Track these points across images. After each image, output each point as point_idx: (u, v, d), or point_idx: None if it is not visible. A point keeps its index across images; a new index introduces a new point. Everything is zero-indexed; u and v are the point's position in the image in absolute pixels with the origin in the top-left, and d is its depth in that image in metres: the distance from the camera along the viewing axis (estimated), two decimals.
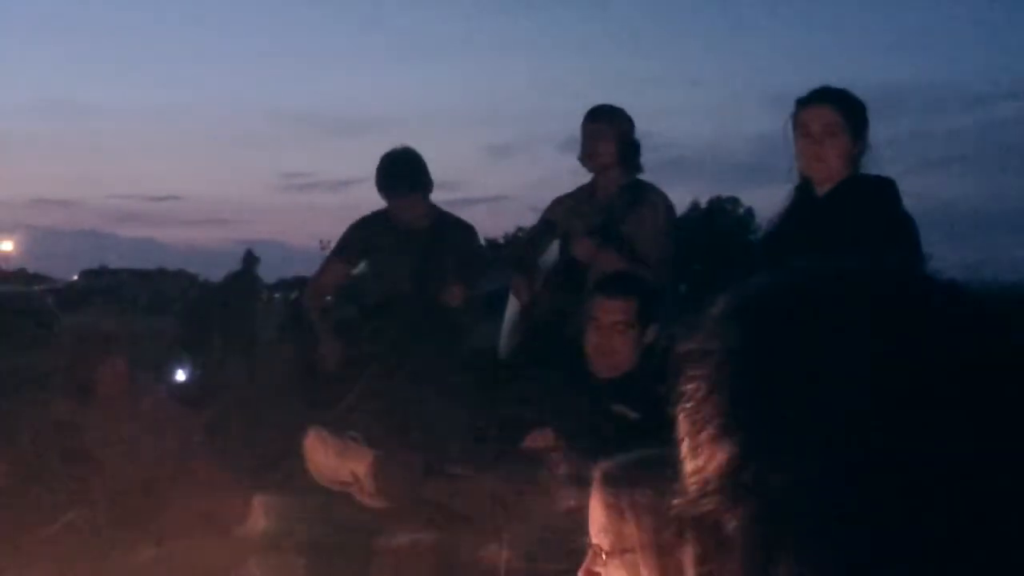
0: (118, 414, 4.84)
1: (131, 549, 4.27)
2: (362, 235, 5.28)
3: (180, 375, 12.37)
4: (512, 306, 5.09)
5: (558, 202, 5.18)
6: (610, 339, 3.82)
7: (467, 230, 5.27)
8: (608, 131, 4.94)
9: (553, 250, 5.01)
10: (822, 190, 3.93)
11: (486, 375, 4.89)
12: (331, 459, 3.80)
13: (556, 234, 5.03)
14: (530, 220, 5.49)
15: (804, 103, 3.94)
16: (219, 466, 4.86)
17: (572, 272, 4.80)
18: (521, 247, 5.31)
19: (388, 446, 3.88)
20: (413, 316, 4.99)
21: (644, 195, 4.94)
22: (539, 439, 4.66)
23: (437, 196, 5.27)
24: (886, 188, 3.91)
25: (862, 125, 3.94)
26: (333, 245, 5.51)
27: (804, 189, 3.97)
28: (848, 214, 3.79)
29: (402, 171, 5.10)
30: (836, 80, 4.05)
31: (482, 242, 5.38)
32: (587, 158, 4.99)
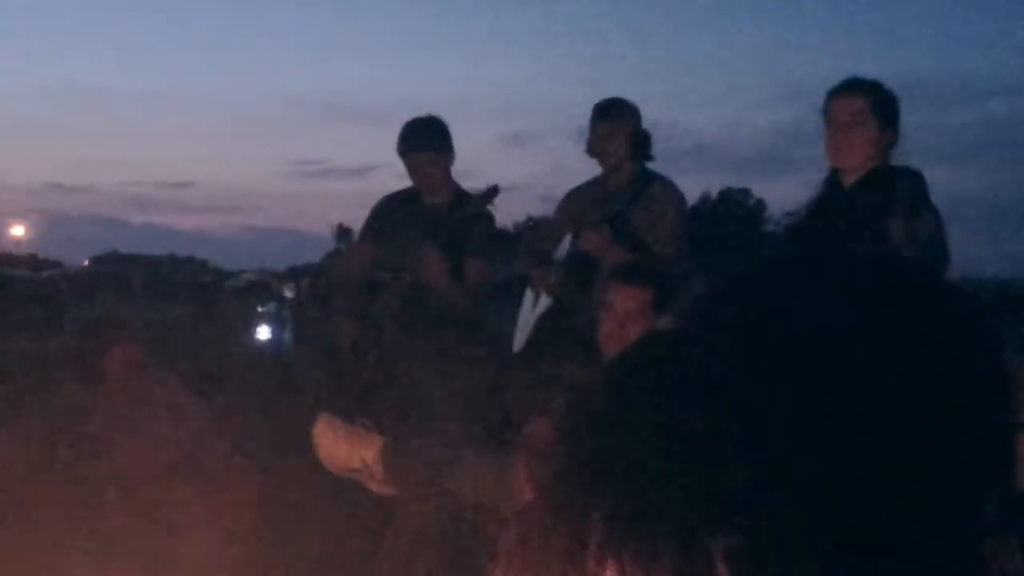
0: (128, 400, 4.84)
1: (140, 537, 4.27)
2: (387, 213, 5.27)
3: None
4: (526, 298, 5.08)
5: (571, 195, 5.17)
6: (624, 327, 3.80)
7: (484, 215, 5.24)
8: (617, 128, 4.93)
9: (565, 243, 4.99)
10: (849, 180, 3.94)
11: (498, 364, 4.88)
12: (341, 446, 3.79)
13: (568, 227, 5.01)
14: (542, 209, 5.49)
15: (834, 93, 3.98)
16: (230, 453, 4.86)
17: (582, 265, 4.79)
18: (535, 239, 5.29)
19: (398, 432, 3.87)
20: (425, 298, 4.97)
21: (654, 187, 4.92)
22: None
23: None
24: (913, 179, 3.90)
25: (892, 115, 3.94)
26: (359, 230, 5.49)
27: (832, 180, 3.98)
28: (873, 205, 3.79)
29: (430, 129, 5.09)
30: (847, 72, 4.05)
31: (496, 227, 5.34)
32: (598, 156, 4.99)
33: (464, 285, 4.91)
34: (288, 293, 17.47)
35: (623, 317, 3.82)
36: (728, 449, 0.62)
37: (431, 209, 5.11)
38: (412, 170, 5.09)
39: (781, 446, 0.62)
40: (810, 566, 0.60)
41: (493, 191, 5.09)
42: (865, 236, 3.68)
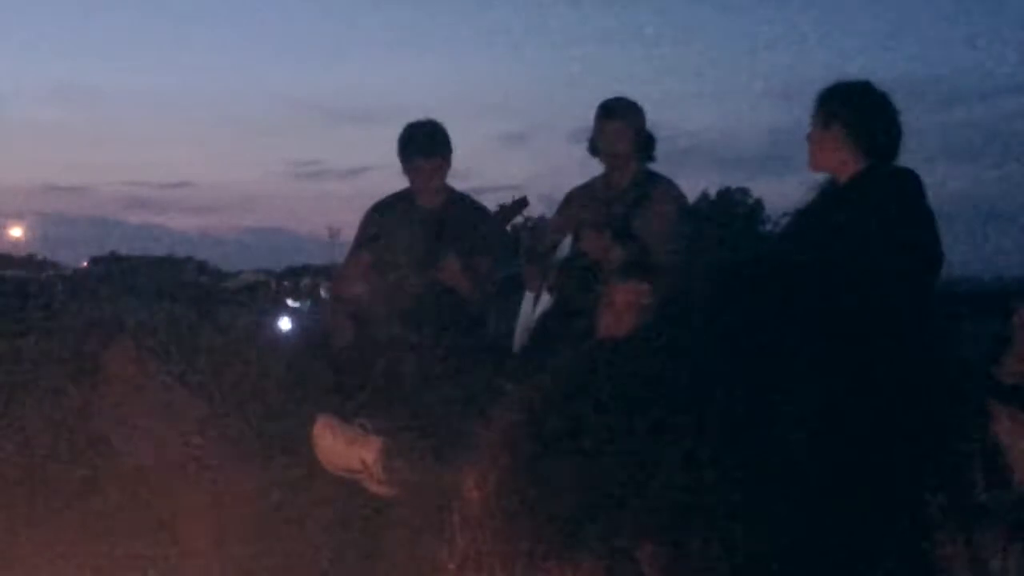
0: (127, 400, 4.84)
1: (140, 535, 4.27)
2: (378, 220, 5.27)
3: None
4: (526, 298, 5.08)
5: (572, 195, 5.17)
6: (623, 322, 3.81)
7: (478, 212, 5.25)
8: (623, 128, 4.92)
9: (566, 243, 4.99)
10: (840, 181, 3.96)
11: (497, 364, 4.88)
12: (339, 446, 3.79)
13: (569, 227, 5.01)
14: (539, 209, 5.48)
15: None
16: (230, 451, 4.86)
17: (583, 266, 4.78)
18: (536, 239, 5.29)
19: (397, 433, 3.87)
20: (425, 299, 4.98)
21: (656, 189, 4.92)
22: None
23: (451, 184, 5.26)
24: (902, 179, 3.91)
25: (831, 114, 3.97)
26: (355, 236, 5.49)
27: (831, 181, 4.00)
28: (861, 205, 3.80)
29: (435, 134, 5.11)
30: (848, 73, 4.07)
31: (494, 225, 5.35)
32: (603, 155, 4.98)
33: (475, 284, 4.93)
34: (324, 294, 17.56)
35: (623, 311, 3.83)
36: (654, 466, 0.63)
37: (427, 210, 5.12)
38: (415, 173, 5.09)
39: (704, 460, 0.62)
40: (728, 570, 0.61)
41: (522, 203, 5.11)
42: (856, 236, 3.69)
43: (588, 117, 5.05)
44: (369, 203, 5.40)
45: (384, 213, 5.27)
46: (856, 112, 3.98)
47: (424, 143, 5.07)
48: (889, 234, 3.61)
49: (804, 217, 4.02)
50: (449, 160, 5.14)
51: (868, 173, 3.92)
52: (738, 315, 0.69)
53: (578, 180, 5.23)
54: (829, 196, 3.97)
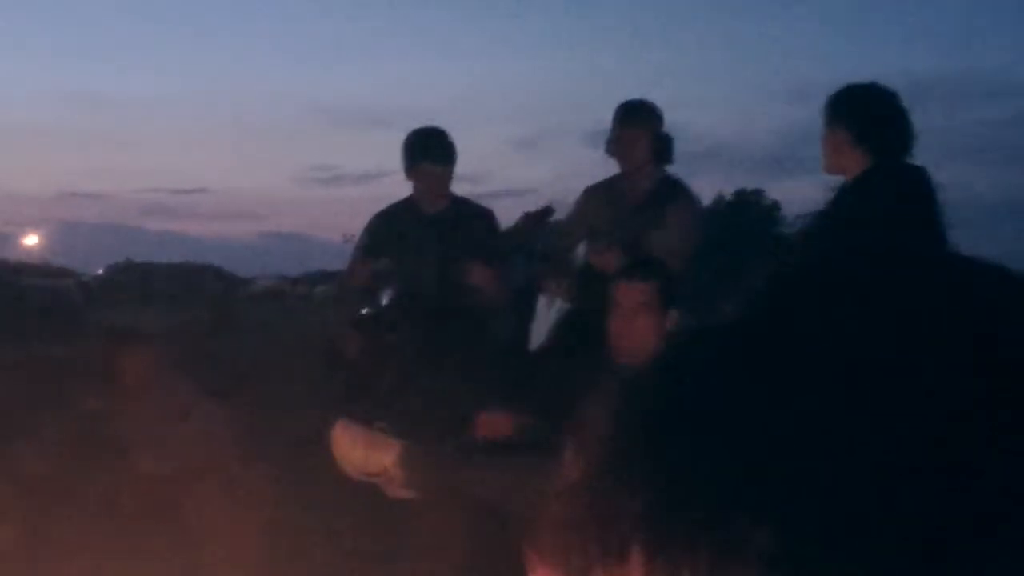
0: (146, 406, 4.86)
1: (160, 540, 4.29)
2: (382, 227, 5.28)
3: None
4: (541, 302, 5.08)
5: (588, 195, 5.16)
6: (632, 322, 3.81)
7: (485, 216, 5.25)
8: (642, 131, 4.91)
9: (580, 250, 4.99)
10: (847, 182, 3.98)
11: (513, 367, 4.88)
12: (359, 450, 3.80)
13: (583, 230, 5.01)
14: (554, 214, 5.48)
15: None
16: (248, 456, 4.88)
17: (596, 274, 4.78)
18: (551, 241, 5.29)
19: (416, 436, 3.88)
20: (437, 304, 4.99)
21: (674, 199, 4.91)
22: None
23: (463, 189, 5.27)
24: (907, 175, 3.92)
25: (835, 117, 4.01)
26: (356, 241, 5.50)
27: (844, 182, 4.03)
28: (864, 201, 3.82)
29: (440, 138, 5.12)
30: (860, 73, 4.10)
31: (501, 228, 5.36)
32: (621, 158, 4.97)
33: (494, 287, 4.95)
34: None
35: (630, 312, 3.83)
36: (775, 442, 0.61)
37: (432, 217, 5.13)
38: (420, 179, 5.10)
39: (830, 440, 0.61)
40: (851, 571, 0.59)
41: (547, 211, 5.11)
42: (869, 232, 3.69)
43: (602, 120, 5.05)
44: (384, 207, 5.41)
45: (389, 220, 5.27)
46: (861, 113, 4.00)
47: (434, 149, 5.08)
48: (889, 230, 3.62)
49: (820, 219, 4.04)
50: (453, 165, 5.16)
51: (873, 171, 3.93)
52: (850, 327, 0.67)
53: (591, 183, 5.22)
54: (839, 197, 3.99)
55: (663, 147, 4.98)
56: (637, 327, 3.80)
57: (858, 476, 0.60)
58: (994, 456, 0.62)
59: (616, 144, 4.96)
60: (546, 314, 5.06)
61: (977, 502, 0.62)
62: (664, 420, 0.66)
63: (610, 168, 5.09)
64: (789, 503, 0.60)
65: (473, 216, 5.16)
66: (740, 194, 64.94)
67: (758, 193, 65.57)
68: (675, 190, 4.96)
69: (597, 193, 5.14)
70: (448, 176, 5.12)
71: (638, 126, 4.93)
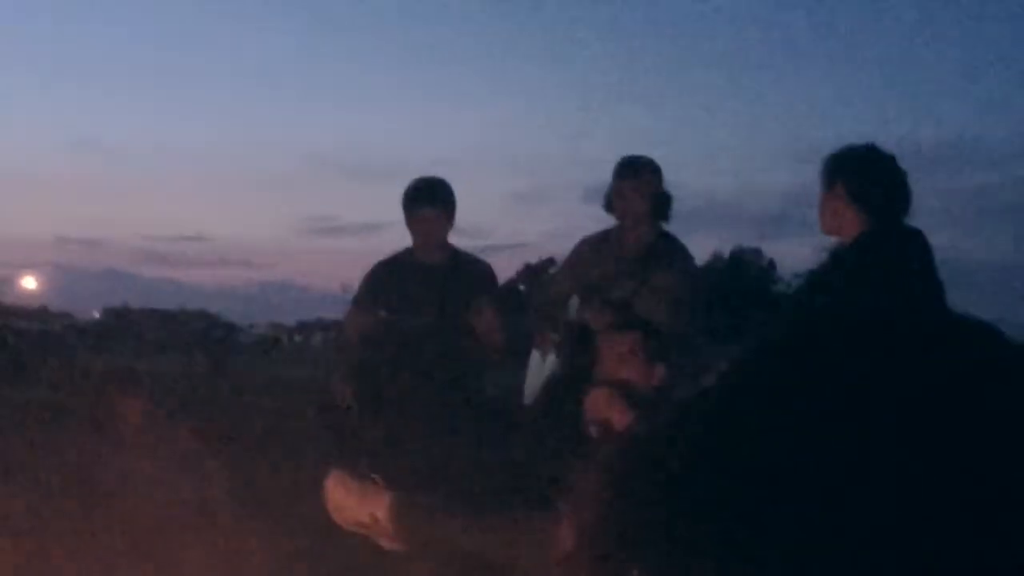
0: (138, 451, 4.84)
1: None
2: (379, 279, 5.28)
3: None
4: (534, 356, 5.09)
5: (583, 249, 5.16)
6: (617, 371, 3.81)
7: (484, 267, 5.26)
8: (640, 187, 4.92)
9: (572, 305, 5.00)
10: (843, 243, 3.99)
11: (506, 421, 4.87)
12: (351, 501, 3.78)
13: (576, 285, 5.01)
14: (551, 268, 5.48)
15: None
16: (239, 506, 4.85)
17: (587, 332, 4.78)
18: (544, 295, 5.29)
19: (407, 488, 3.86)
20: (433, 356, 4.98)
21: (668, 258, 4.91)
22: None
23: (460, 242, 5.28)
24: (903, 239, 3.93)
25: (831, 178, 4.03)
26: (355, 291, 5.50)
27: (840, 243, 4.03)
28: (859, 265, 3.83)
29: (437, 187, 5.12)
30: (859, 135, 4.11)
31: (499, 282, 5.36)
32: (618, 213, 4.98)
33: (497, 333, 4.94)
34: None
35: (615, 363, 3.83)
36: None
37: (429, 268, 5.13)
38: (418, 225, 5.11)
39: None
40: None
41: (548, 263, 5.11)
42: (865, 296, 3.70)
43: (602, 176, 5.06)
44: (382, 258, 5.41)
45: (386, 271, 5.27)
46: (858, 174, 4.01)
47: (428, 194, 5.09)
48: (883, 293, 3.63)
49: (813, 279, 4.04)
50: (452, 215, 5.15)
51: (869, 234, 3.94)
52: (838, 373, 0.70)
53: (588, 235, 5.22)
54: (835, 259, 4.00)
55: (661, 204, 4.98)
56: (622, 372, 3.80)
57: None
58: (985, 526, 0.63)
59: (613, 199, 4.98)
60: (540, 368, 5.06)
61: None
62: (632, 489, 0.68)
63: (609, 224, 5.10)
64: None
65: (471, 268, 5.17)
66: (737, 252, 65.14)
67: (755, 252, 65.77)
68: (670, 248, 4.95)
69: (592, 246, 5.15)
70: (445, 222, 5.12)
71: (636, 181, 4.93)
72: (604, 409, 3.81)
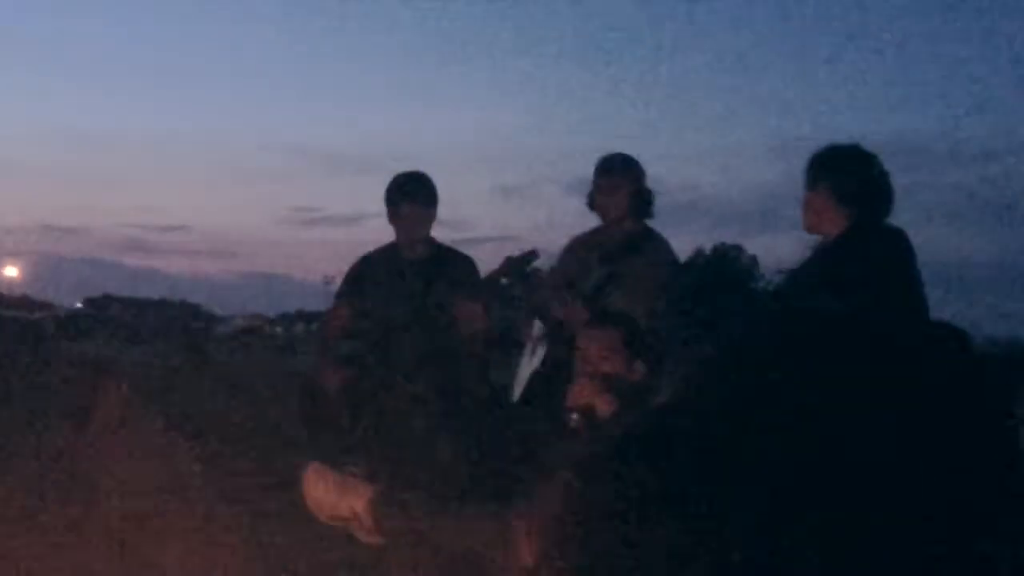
0: (116, 443, 4.82)
1: None
2: (362, 273, 5.28)
3: None
4: (525, 350, 5.09)
5: (572, 247, 5.17)
6: (597, 367, 3.81)
7: (466, 261, 5.26)
8: (621, 184, 4.92)
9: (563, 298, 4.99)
10: (826, 241, 4.00)
11: (488, 415, 4.87)
12: (330, 494, 3.77)
13: (562, 282, 5.02)
14: (537, 261, 5.47)
15: None
16: (217, 498, 4.83)
17: (563, 324, 4.78)
18: (534, 291, 5.29)
19: (388, 482, 3.85)
20: (415, 349, 4.98)
21: (643, 251, 4.91)
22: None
23: (445, 234, 5.27)
24: (885, 237, 3.94)
25: (814, 178, 4.04)
26: (338, 286, 5.50)
27: (822, 241, 4.04)
28: (842, 263, 3.84)
29: (421, 181, 5.12)
30: (841, 132, 4.13)
31: (482, 275, 5.37)
32: (600, 211, 4.99)
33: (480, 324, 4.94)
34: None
35: (596, 358, 3.83)
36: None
37: (412, 262, 5.13)
38: (401, 220, 5.10)
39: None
40: None
41: (531, 255, 5.10)
42: (846, 293, 3.71)
43: (586, 170, 5.06)
44: (365, 251, 5.40)
45: (369, 266, 5.27)
46: (841, 173, 4.03)
47: (412, 190, 5.08)
48: (867, 292, 3.64)
49: (795, 276, 4.05)
50: (435, 211, 5.15)
51: (851, 233, 3.95)
52: (799, 376, 0.70)
53: (574, 231, 5.23)
54: (818, 256, 4.01)
55: (643, 201, 4.98)
56: (601, 368, 3.80)
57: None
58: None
59: (596, 196, 4.98)
60: (529, 364, 5.06)
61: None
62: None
63: (593, 219, 5.10)
64: None
65: (454, 262, 5.17)
66: (719, 249, 65.27)
67: (737, 248, 65.92)
68: (646, 241, 4.95)
69: (578, 244, 5.16)
70: (428, 218, 5.12)
71: (616, 179, 4.94)
72: (589, 396, 3.82)
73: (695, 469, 0.59)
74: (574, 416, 3.77)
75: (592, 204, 5.02)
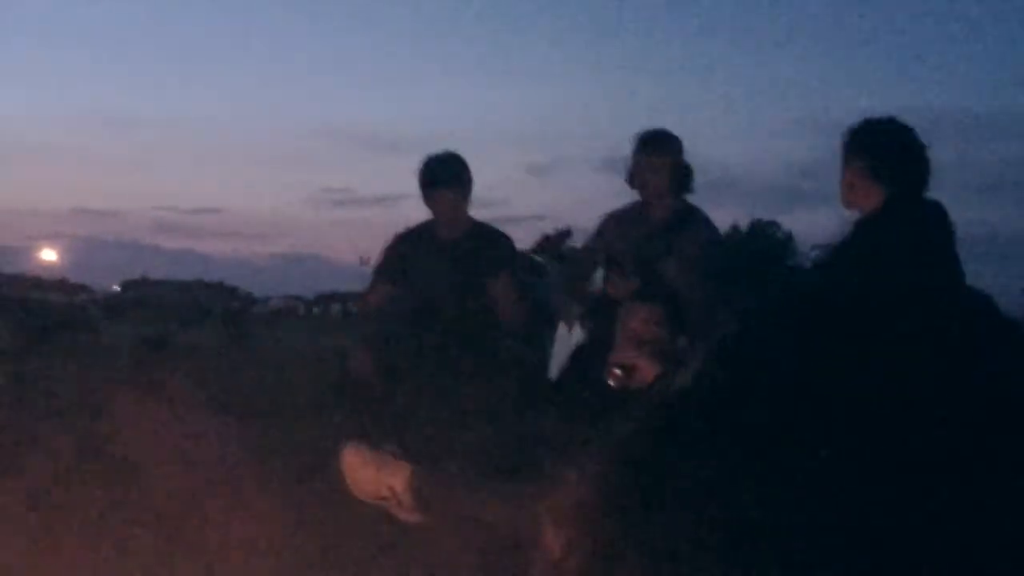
0: (157, 422, 4.87)
1: (169, 559, 4.28)
2: (400, 250, 5.29)
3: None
4: (561, 328, 5.09)
5: (608, 223, 5.16)
6: (638, 342, 3.82)
7: (503, 239, 5.26)
8: (661, 160, 4.92)
9: (597, 277, 4.99)
10: (863, 216, 3.98)
11: (526, 393, 4.88)
12: (368, 473, 3.80)
13: (601, 258, 5.01)
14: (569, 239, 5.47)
15: None
16: (260, 475, 4.87)
17: (612, 303, 4.78)
18: (569, 268, 5.29)
19: (425, 460, 3.87)
20: (452, 328, 4.99)
21: (690, 227, 4.91)
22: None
23: (477, 213, 5.27)
24: (922, 210, 3.92)
25: (851, 153, 4.01)
26: (374, 264, 5.51)
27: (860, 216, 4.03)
28: (883, 237, 3.82)
29: (453, 164, 5.12)
30: (875, 107, 4.10)
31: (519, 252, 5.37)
32: (640, 187, 4.98)
33: (511, 309, 4.95)
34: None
35: (637, 333, 3.85)
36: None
37: (448, 242, 5.14)
38: (435, 205, 5.11)
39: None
40: None
41: (565, 233, 5.11)
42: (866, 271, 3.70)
43: (617, 148, 5.06)
44: (399, 230, 5.41)
45: (407, 244, 5.28)
46: (877, 148, 4.00)
47: (443, 174, 5.09)
48: (900, 267, 3.62)
49: (831, 252, 4.03)
50: (469, 190, 5.15)
51: (889, 206, 3.93)
52: (817, 356, 0.70)
53: (605, 209, 5.23)
54: (854, 231, 3.99)
55: (682, 176, 4.98)
56: (642, 346, 3.81)
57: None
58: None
59: (635, 173, 4.97)
60: (566, 341, 5.07)
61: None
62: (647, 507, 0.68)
63: (627, 195, 5.10)
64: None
65: (490, 239, 5.17)
66: (755, 225, 64.95)
67: (773, 224, 65.58)
68: (692, 218, 4.96)
69: (616, 220, 5.15)
70: (462, 201, 5.12)
71: (658, 155, 4.93)
72: (632, 354, 3.83)
73: (725, 452, 0.59)
74: (616, 371, 3.79)
75: (632, 180, 5.01)
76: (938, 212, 3.91)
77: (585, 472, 3.23)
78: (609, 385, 3.83)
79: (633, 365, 3.76)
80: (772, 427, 0.60)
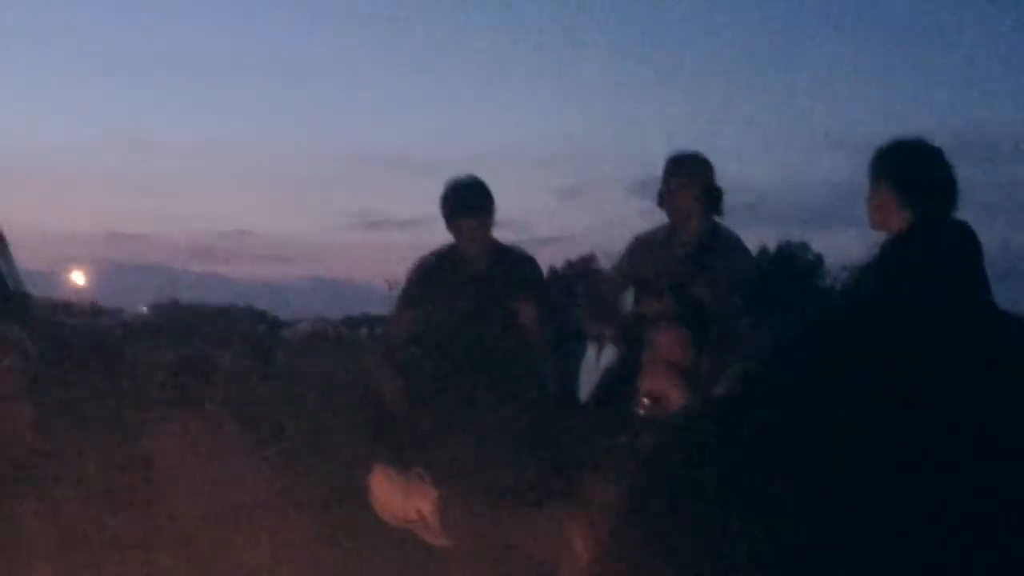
0: (186, 446, 4.87)
1: None
2: (424, 275, 5.31)
3: None
4: (590, 350, 5.10)
5: (637, 245, 5.17)
6: (664, 364, 3.83)
7: (529, 262, 5.27)
8: (691, 183, 4.93)
9: (627, 297, 5.00)
10: (891, 237, 3.98)
11: (557, 414, 4.88)
12: (396, 496, 3.80)
13: (630, 279, 5.02)
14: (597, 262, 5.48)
15: None
16: (287, 499, 4.87)
17: (643, 323, 4.78)
18: (599, 290, 5.30)
19: (454, 484, 3.87)
20: (477, 351, 5.00)
21: (721, 250, 4.91)
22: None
23: (506, 235, 5.29)
24: (950, 232, 3.90)
25: (878, 175, 4.00)
26: (399, 289, 5.53)
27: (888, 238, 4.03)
28: (911, 258, 3.81)
29: (475, 191, 5.13)
30: (907, 127, 4.11)
31: (544, 275, 5.38)
32: (671, 209, 4.98)
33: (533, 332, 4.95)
34: None
35: (667, 355, 3.85)
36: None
37: (473, 265, 5.14)
38: (458, 232, 5.13)
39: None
40: None
41: (589, 260, 5.12)
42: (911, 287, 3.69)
43: (647, 170, 5.09)
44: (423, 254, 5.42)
45: (431, 268, 5.30)
46: (904, 169, 4.00)
47: (466, 202, 5.10)
48: (927, 286, 3.61)
49: (860, 273, 4.03)
50: (492, 216, 5.16)
51: (917, 227, 3.92)
52: (867, 366, 0.70)
53: (636, 231, 5.24)
54: (882, 253, 3.98)
55: (713, 199, 4.99)
56: (673, 377, 3.81)
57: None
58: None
59: (666, 195, 4.98)
60: (595, 364, 5.07)
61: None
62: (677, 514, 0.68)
63: (656, 217, 5.11)
64: None
65: (515, 262, 5.18)
66: (784, 247, 64.73)
67: (802, 246, 65.30)
68: (723, 240, 4.96)
69: (646, 242, 5.16)
70: (485, 227, 5.14)
71: (688, 177, 4.95)
72: (662, 383, 3.83)
73: (759, 459, 0.59)
74: (645, 401, 3.79)
75: (662, 202, 5.02)
76: (965, 232, 3.90)
77: (613, 480, 3.22)
78: (641, 404, 3.83)
79: (662, 392, 3.76)
80: (800, 448, 0.60)
